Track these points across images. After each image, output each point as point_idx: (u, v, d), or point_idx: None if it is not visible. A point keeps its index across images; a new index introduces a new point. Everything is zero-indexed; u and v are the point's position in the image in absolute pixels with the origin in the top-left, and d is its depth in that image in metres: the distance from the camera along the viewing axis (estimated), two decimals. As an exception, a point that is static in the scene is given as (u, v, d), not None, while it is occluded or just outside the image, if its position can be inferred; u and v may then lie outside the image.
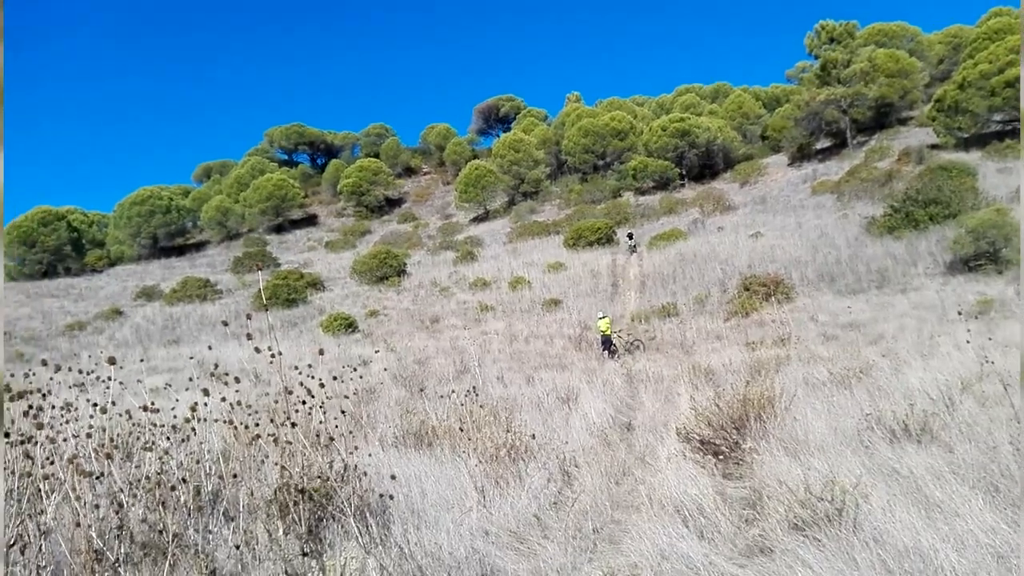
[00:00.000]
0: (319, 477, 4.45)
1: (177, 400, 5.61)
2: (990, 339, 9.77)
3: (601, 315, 20.42)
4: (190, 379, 7.35)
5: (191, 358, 16.16)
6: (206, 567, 3.93)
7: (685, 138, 53.15)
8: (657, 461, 6.40)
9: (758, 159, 54.84)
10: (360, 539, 4.12)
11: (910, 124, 49.29)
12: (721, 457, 6.15)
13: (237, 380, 4.80)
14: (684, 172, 53.89)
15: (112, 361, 3.48)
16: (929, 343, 12.06)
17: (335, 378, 5.97)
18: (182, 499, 4.14)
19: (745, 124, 61.85)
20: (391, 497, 4.52)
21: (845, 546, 3.58)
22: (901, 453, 5.10)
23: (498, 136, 72.98)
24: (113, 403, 4.61)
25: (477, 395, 8.39)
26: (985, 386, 7.17)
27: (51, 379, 4.73)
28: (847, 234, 28.16)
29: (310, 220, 67.15)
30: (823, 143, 52.54)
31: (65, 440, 4.32)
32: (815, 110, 48.89)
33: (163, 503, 3.95)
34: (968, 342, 8.90)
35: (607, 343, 19.40)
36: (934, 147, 39.25)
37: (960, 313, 13.74)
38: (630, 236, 36.21)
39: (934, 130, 40.33)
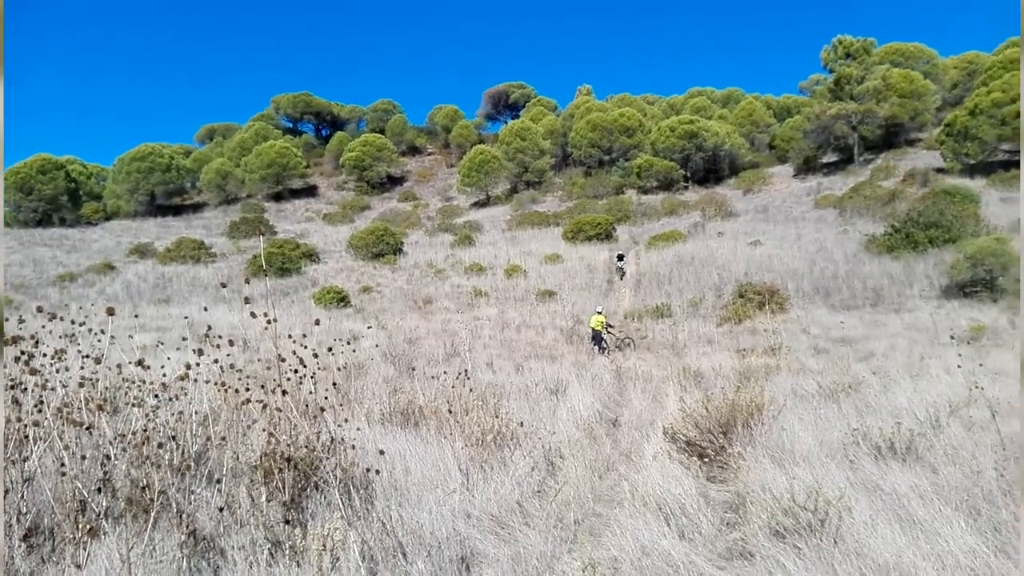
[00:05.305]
0: (306, 447, 4.45)
1: (168, 358, 5.59)
2: (981, 365, 9.79)
3: (599, 310, 20.44)
4: (183, 339, 7.32)
5: (185, 318, 16.11)
6: (187, 527, 3.92)
7: (693, 140, 53.06)
8: (642, 459, 6.41)
9: (764, 168, 54.83)
10: (343, 511, 4.12)
11: (918, 146, 49.28)
12: (706, 460, 6.16)
13: (231, 343, 4.77)
14: (689, 175, 53.84)
15: (111, 312, 3.46)
16: (919, 364, 12.09)
17: (329, 350, 5.95)
18: (167, 457, 4.13)
19: (754, 132, 61.80)
20: (377, 472, 4.51)
21: (826, 556, 3.59)
22: (886, 470, 5.13)
23: (506, 123, 72.76)
24: (100, 357, 4.59)
25: (469, 378, 8.39)
26: (973, 411, 7.21)
27: (43, 327, 4.70)
28: (846, 250, 28.21)
29: (310, 191, 66.83)
30: (830, 157, 52.53)
31: (53, 389, 4.30)
32: (825, 124, 48.82)
33: (149, 459, 3.94)
34: (959, 367, 8.92)
35: (598, 338, 19.43)
36: (940, 171, 39.26)
37: (952, 337, 13.78)
38: (620, 258, 31.99)
39: (941, 154, 40.32)
